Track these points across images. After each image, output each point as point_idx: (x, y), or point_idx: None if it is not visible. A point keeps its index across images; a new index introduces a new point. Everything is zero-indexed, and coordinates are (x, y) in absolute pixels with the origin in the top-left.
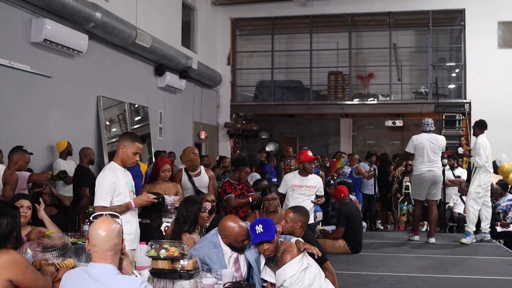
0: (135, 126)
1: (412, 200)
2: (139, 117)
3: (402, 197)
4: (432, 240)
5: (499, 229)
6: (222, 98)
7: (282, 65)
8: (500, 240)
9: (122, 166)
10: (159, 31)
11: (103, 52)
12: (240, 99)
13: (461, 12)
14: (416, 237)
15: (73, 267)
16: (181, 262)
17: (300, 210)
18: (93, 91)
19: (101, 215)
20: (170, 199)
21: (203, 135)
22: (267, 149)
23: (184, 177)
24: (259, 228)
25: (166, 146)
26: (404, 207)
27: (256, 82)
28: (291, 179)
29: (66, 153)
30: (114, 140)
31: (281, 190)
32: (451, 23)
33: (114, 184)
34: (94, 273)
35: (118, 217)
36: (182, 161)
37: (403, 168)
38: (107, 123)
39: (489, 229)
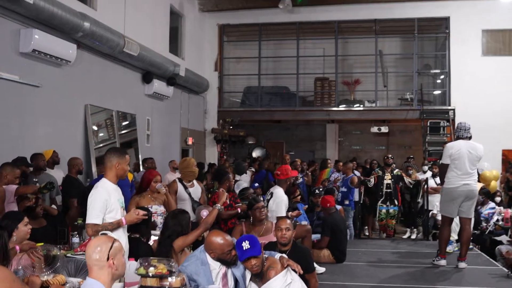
0: (122, 132)
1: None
2: (127, 123)
3: (382, 198)
4: (463, 264)
5: None
6: (209, 104)
7: (269, 71)
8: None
9: (113, 182)
10: (147, 38)
11: (91, 61)
12: (227, 105)
13: (446, 20)
14: (443, 261)
15: (64, 284)
16: (169, 279)
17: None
18: (81, 100)
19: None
20: (160, 209)
21: (190, 141)
22: (254, 154)
23: (180, 188)
24: (245, 245)
25: (154, 153)
26: (383, 210)
27: (243, 88)
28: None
29: (52, 162)
30: (101, 145)
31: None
32: (436, 30)
33: (106, 202)
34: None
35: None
36: (180, 171)
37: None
38: (95, 128)
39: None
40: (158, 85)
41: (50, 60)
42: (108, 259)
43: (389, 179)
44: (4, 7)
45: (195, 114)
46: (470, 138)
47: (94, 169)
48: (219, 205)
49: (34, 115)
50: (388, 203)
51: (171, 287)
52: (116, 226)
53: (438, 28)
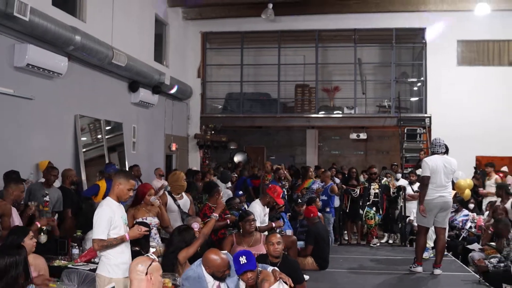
0: (109, 137)
1: (412, 224)
2: (113, 131)
3: (369, 203)
4: (438, 271)
5: None
6: (192, 110)
7: (251, 78)
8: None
9: (116, 201)
10: (133, 47)
11: (81, 72)
12: (210, 111)
13: (423, 30)
14: (419, 268)
15: None
16: None
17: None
18: (71, 110)
19: None
20: (154, 220)
21: (174, 147)
22: (235, 159)
23: (169, 200)
24: (243, 259)
25: (139, 160)
26: (372, 211)
27: (225, 94)
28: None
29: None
30: (88, 149)
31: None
32: (413, 40)
33: (110, 219)
34: None
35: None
36: (170, 184)
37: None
38: (84, 138)
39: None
40: (143, 94)
41: (42, 74)
42: (147, 273)
43: (377, 188)
44: (0, 24)
45: (179, 120)
46: (444, 153)
47: (84, 176)
48: (216, 214)
49: (28, 127)
50: (374, 209)
51: None
52: (120, 241)
53: (415, 38)
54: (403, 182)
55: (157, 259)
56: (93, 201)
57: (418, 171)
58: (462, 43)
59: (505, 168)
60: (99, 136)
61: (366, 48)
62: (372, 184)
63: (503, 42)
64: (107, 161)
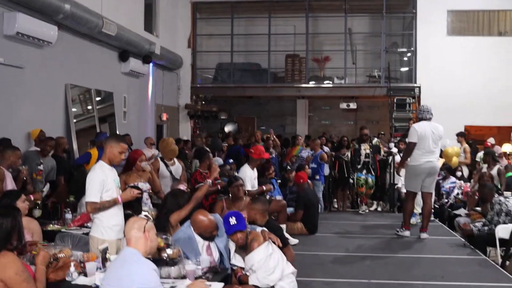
0: (99, 107)
1: (399, 191)
2: (104, 101)
3: (360, 166)
4: (425, 235)
5: None
6: (182, 80)
7: (241, 48)
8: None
9: (109, 164)
10: (123, 17)
11: (71, 41)
12: (200, 81)
13: (413, 0)
14: (407, 232)
15: (70, 256)
16: (167, 251)
17: (258, 200)
18: (61, 79)
19: None
20: (146, 186)
21: (164, 117)
22: (226, 129)
23: (162, 166)
24: (232, 220)
25: (130, 129)
26: (362, 176)
27: (215, 64)
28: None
29: (38, 141)
30: (80, 119)
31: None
32: (403, 9)
33: (103, 182)
34: (123, 253)
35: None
36: (161, 151)
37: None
38: (75, 107)
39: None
40: (134, 63)
41: (32, 42)
42: (144, 231)
43: (368, 149)
44: None
45: (169, 90)
46: (430, 119)
47: (75, 146)
48: (209, 180)
49: (19, 96)
50: (365, 172)
51: (169, 258)
52: (112, 204)
53: (406, 7)
54: (394, 150)
55: (151, 219)
56: (84, 168)
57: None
58: (452, 13)
59: (491, 140)
60: (90, 107)
61: (356, 18)
62: (362, 145)
63: (493, 12)
64: (98, 131)
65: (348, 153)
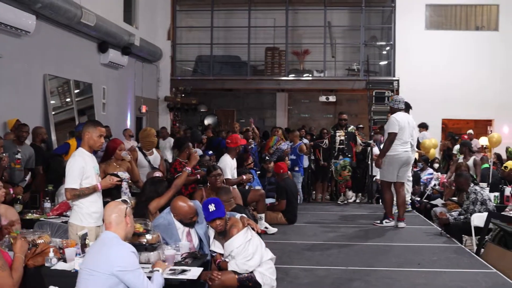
0: (78, 99)
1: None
2: (83, 91)
3: (335, 154)
4: (403, 224)
5: None
6: (162, 72)
7: (221, 41)
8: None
9: (89, 151)
10: (102, 7)
11: (50, 31)
12: (180, 73)
13: None
14: (392, 222)
15: (49, 242)
16: (146, 236)
17: (220, 190)
18: (40, 70)
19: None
20: (125, 175)
21: (144, 109)
22: (206, 122)
23: (140, 156)
24: (211, 207)
25: (109, 121)
26: (337, 165)
27: (195, 56)
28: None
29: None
30: (58, 111)
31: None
32: (382, 3)
33: (83, 169)
34: (103, 236)
35: (126, 201)
36: (140, 140)
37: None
38: (53, 98)
39: (410, 201)
40: (113, 55)
41: (10, 31)
42: (125, 216)
43: (343, 135)
44: None
45: (149, 82)
46: (404, 109)
47: (54, 137)
48: (189, 168)
49: None
50: (340, 157)
51: (148, 243)
52: (92, 191)
53: (385, 1)
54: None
55: (129, 204)
56: (62, 157)
57: None
58: (431, 7)
59: (470, 131)
60: (69, 99)
61: (336, 11)
62: (338, 131)
63: (470, 6)
64: (77, 123)
65: (326, 140)
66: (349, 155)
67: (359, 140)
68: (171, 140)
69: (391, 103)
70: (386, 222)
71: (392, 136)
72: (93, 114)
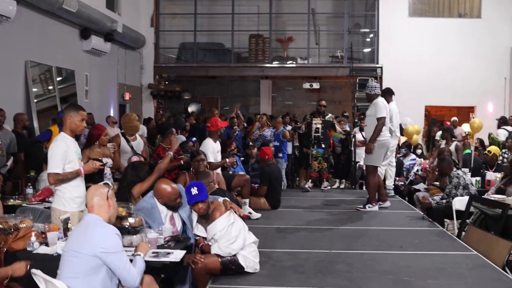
0: (61, 87)
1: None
2: (65, 79)
3: (312, 141)
4: (388, 203)
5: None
6: (145, 60)
7: (205, 28)
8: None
9: (71, 135)
10: None
11: (31, 17)
12: (163, 61)
13: None
14: (376, 207)
15: (31, 226)
16: (129, 220)
17: (200, 174)
18: (21, 56)
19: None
20: (109, 161)
21: (127, 96)
22: (190, 109)
23: (123, 141)
24: (194, 190)
25: (92, 108)
26: (315, 151)
27: (178, 43)
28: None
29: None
30: (41, 99)
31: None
32: None
33: (65, 153)
34: (86, 219)
35: (108, 184)
36: (123, 126)
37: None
38: (35, 85)
39: (393, 186)
40: (96, 41)
41: None
42: (107, 198)
43: (320, 123)
44: None
45: (132, 69)
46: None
47: (36, 124)
48: (171, 152)
49: None
50: (315, 146)
51: (131, 226)
52: (75, 175)
53: None
54: (355, 130)
55: (112, 186)
56: (43, 144)
57: None
58: None
59: (455, 118)
60: (51, 87)
61: None
62: (315, 119)
63: None
64: (59, 110)
65: (303, 126)
66: (324, 145)
67: (338, 128)
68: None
69: (368, 90)
70: (369, 207)
71: (383, 120)
72: (75, 102)
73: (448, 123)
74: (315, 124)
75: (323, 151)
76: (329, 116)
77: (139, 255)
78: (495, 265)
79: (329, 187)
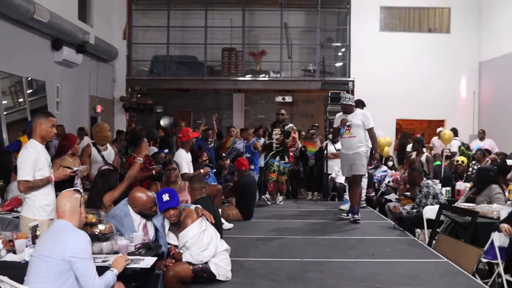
0: (31, 99)
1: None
2: (36, 91)
3: (273, 152)
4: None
5: None
6: (117, 72)
7: (177, 41)
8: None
9: (41, 143)
10: (56, 4)
11: (1, 27)
12: (136, 73)
13: None
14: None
15: None
16: (99, 226)
17: (194, 179)
18: None
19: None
20: (80, 168)
21: (99, 109)
22: (162, 122)
23: (94, 151)
24: (165, 197)
25: (63, 121)
26: (275, 162)
27: (151, 56)
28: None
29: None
30: (11, 111)
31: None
32: (338, 5)
33: (35, 160)
34: (57, 224)
35: (79, 191)
36: (94, 136)
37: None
38: (4, 101)
39: (365, 197)
40: (67, 53)
41: None
42: (80, 205)
43: (279, 133)
44: None
45: (104, 82)
46: None
47: (5, 136)
48: (140, 158)
49: None
50: (278, 158)
51: (101, 233)
52: (45, 182)
53: (340, 3)
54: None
55: (83, 193)
56: (12, 154)
57: None
58: (385, 9)
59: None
60: (21, 100)
61: (292, 12)
62: (275, 129)
63: (423, 9)
64: (29, 120)
65: (265, 139)
66: (286, 158)
67: (293, 135)
68: None
69: (346, 100)
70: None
71: (374, 130)
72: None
73: (418, 135)
74: (275, 134)
75: (288, 165)
76: (288, 126)
77: (112, 270)
78: (465, 272)
79: (281, 202)
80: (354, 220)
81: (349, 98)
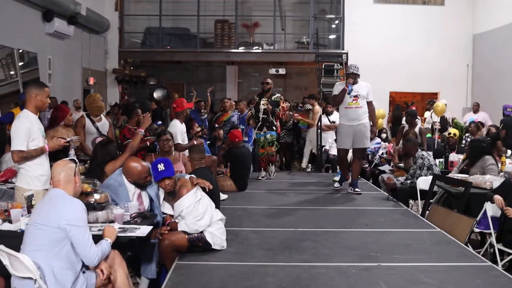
0: (23, 71)
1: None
2: (28, 63)
3: (259, 124)
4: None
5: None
6: (110, 44)
7: (170, 12)
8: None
9: (34, 113)
10: None
11: None
12: (128, 45)
13: None
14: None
15: None
16: (94, 196)
17: (193, 148)
18: None
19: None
20: (73, 139)
21: (91, 81)
22: (155, 95)
23: (88, 122)
24: (161, 167)
25: (56, 93)
26: (261, 137)
27: (143, 28)
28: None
29: None
30: (2, 84)
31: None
32: None
33: (29, 130)
34: (52, 193)
35: (75, 161)
36: (87, 107)
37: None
38: None
39: None
40: (59, 24)
41: None
42: (75, 175)
43: (267, 104)
44: None
45: (96, 54)
46: None
47: None
48: (142, 130)
49: None
50: (264, 130)
51: (97, 202)
52: (40, 152)
53: None
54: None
55: (78, 162)
56: (5, 126)
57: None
58: None
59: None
60: (13, 72)
61: None
62: (262, 100)
63: None
64: (22, 92)
65: (253, 108)
66: (274, 128)
67: (282, 105)
68: None
69: (355, 70)
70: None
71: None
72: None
73: (414, 108)
74: (262, 104)
75: (276, 134)
76: (276, 96)
77: (106, 240)
78: (458, 241)
79: (267, 177)
80: (355, 193)
81: (356, 67)
